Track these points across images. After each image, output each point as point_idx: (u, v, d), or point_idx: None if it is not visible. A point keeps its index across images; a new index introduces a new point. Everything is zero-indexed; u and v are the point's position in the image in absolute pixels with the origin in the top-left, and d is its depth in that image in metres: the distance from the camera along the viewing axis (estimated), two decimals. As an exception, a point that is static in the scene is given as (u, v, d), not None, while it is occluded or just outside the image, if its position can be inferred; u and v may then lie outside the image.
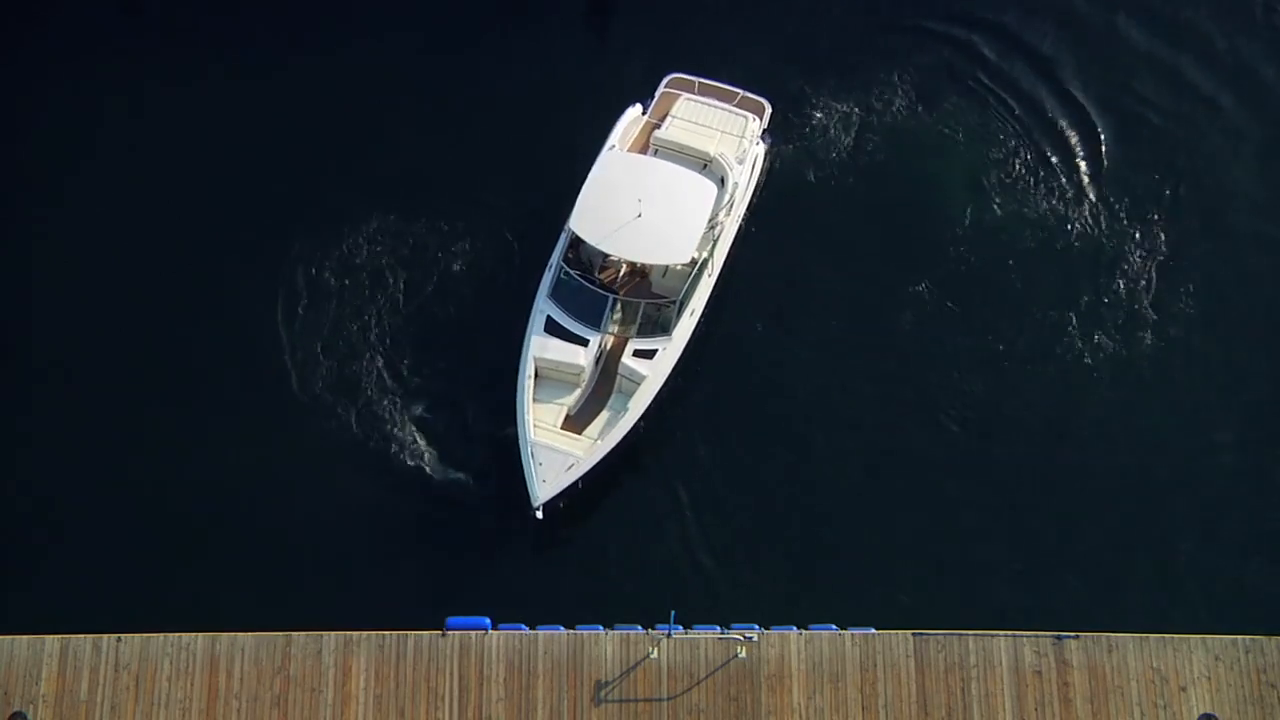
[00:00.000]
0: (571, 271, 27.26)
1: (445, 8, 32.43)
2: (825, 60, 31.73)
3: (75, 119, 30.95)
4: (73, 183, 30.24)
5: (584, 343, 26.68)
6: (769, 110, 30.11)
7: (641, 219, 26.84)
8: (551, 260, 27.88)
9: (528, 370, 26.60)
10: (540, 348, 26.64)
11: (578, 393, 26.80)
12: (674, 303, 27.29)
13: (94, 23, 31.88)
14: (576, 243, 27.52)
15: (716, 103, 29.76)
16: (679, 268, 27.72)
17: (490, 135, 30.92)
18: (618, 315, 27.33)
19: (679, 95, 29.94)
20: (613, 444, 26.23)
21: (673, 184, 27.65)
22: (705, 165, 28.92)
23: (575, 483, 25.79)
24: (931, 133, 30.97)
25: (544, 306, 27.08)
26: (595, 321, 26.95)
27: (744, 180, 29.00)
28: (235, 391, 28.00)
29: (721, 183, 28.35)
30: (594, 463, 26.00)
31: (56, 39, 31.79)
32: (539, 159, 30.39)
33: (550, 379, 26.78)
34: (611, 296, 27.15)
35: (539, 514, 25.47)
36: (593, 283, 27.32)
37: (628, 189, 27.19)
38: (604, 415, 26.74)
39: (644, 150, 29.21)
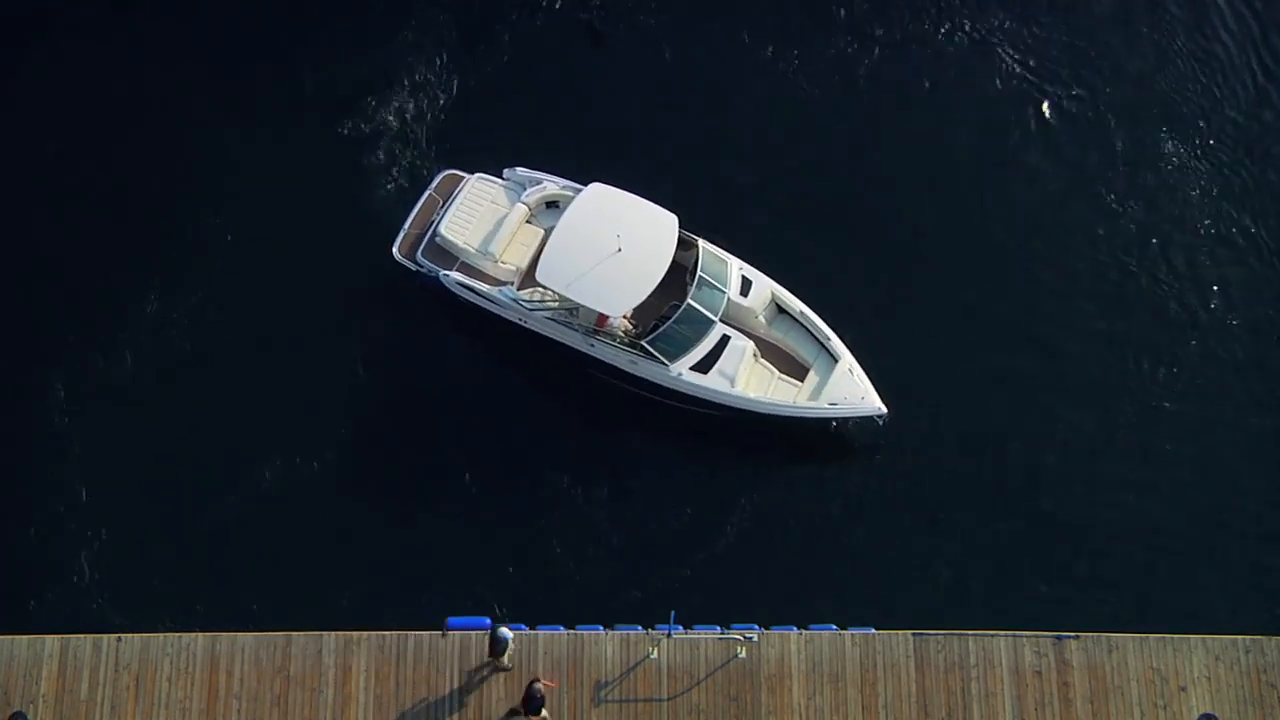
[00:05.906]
0: (646, 335, 26.79)
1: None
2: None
3: (71, 116, 30.97)
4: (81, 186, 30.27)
5: (727, 339, 26.97)
6: (464, 176, 28.71)
7: (623, 250, 26.55)
8: (611, 358, 27.15)
9: (746, 393, 26.69)
10: (728, 375, 26.69)
11: (764, 362, 27.23)
12: (693, 249, 27.42)
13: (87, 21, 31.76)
14: (602, 321, 26.93)
15: (457, 199, 28.38)
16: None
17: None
18: (697, 298, 27.05)
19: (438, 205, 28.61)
20: (827, 329, 27.28)
21: (603, 204, 27.27)
22: (530, 219, 28.49)
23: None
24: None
25: (677, 369, 26.72)
26: (707, 324, 26.96)
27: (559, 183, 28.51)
28: (234, 389, 27.96)
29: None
30: (846, 351, 27.13)
31: (51, 37, 31.76)
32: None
33: (752, 373, 27.05)
34: (677, 306, 26.93)
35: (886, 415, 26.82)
36: (666, 318, 27.02)
37: (593, 248, 26.53)
38: (790, 337, 27.60)
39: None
